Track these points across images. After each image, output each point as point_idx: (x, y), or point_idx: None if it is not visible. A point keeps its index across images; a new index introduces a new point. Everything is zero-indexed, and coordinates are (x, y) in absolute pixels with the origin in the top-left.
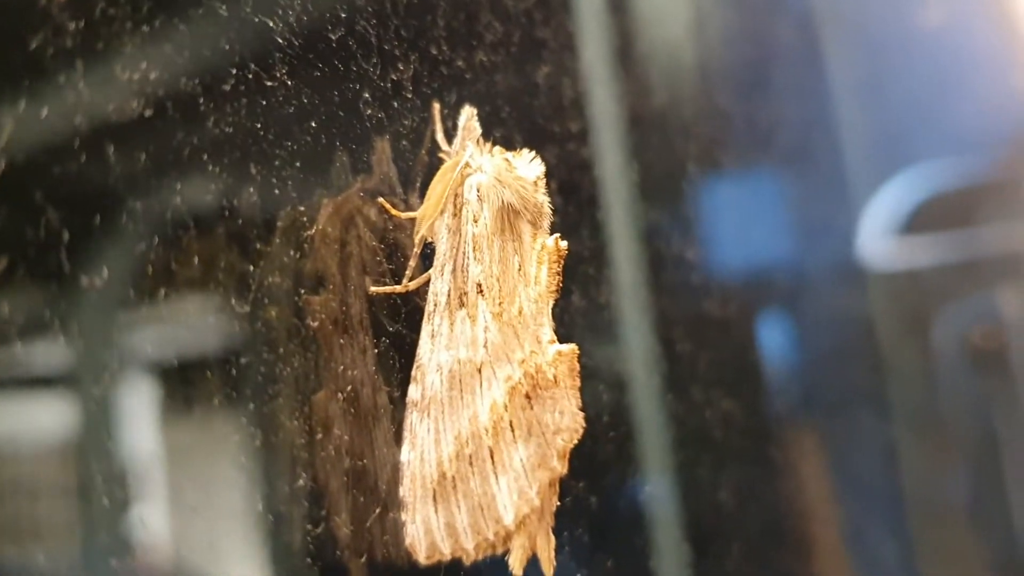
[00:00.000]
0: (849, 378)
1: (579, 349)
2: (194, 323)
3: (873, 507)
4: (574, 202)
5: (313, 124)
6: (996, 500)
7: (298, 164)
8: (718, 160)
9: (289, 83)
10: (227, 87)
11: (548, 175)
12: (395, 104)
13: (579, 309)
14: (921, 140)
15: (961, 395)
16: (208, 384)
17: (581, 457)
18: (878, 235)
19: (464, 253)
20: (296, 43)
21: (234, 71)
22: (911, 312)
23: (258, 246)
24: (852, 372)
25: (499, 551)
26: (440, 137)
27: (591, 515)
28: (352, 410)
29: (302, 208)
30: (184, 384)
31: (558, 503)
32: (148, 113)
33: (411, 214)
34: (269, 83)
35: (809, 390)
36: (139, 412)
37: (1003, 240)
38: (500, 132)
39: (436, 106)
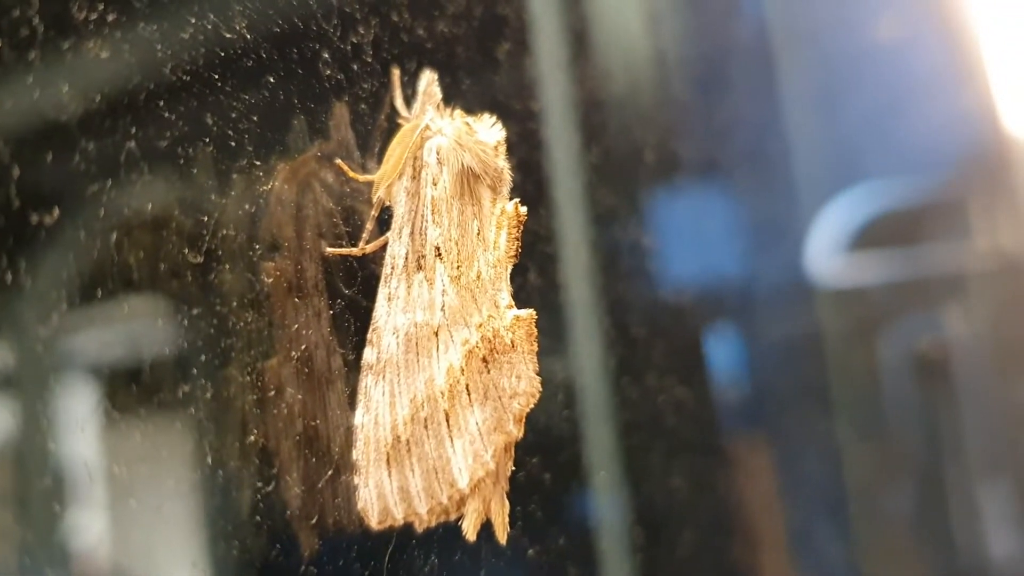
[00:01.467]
0: (797, 388)
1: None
2: (139, 319)
3: (819, 509)
4: (532, 180)
5: (271, 83)
6: (938, 507)
7: (255, 125)
8: (672, 155)
9: (248, 37)
10: (185, 37)
11: (508, 151)
12: (354, 67)
13: (535, 287)
14: (871, 157)
15: (905, 405)
16: (152, 381)
17: (536, 432)
18: (827, 251)
19: (422, 216)
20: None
21: (192, 23)
22: (858, 326)
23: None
24: (800, 383)
25: (453, 516)
26: (399, 103)
27: (544, 491)
28: (306, 373)
29: (259, 173)
30: (126, 385)
31: (512, 468)
32: (99, 68)
33: (368, 177)
34: (228, 35)
35: (758, 396)
36: (78, 416)
37: (949, 259)
38: (459, 105)
39: (396, 72)
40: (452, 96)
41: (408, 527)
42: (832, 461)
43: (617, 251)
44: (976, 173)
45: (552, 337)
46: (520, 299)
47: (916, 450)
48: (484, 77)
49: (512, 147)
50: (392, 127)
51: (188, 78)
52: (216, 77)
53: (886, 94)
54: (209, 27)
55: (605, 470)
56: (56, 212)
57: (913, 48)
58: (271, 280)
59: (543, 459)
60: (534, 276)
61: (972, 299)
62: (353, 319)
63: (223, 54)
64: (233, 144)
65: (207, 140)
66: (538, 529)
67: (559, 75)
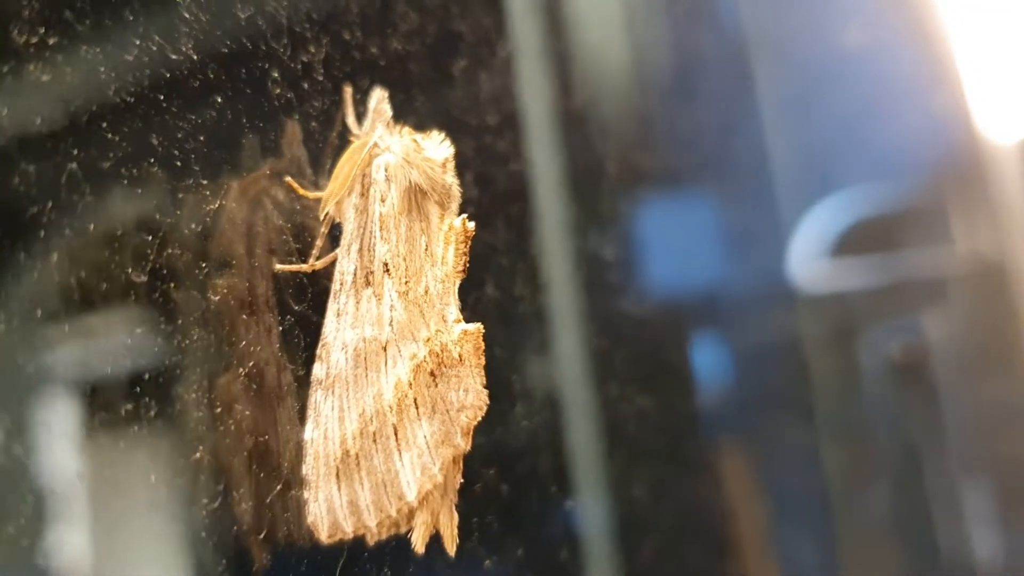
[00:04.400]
0: (775, 392)
1: (487, 337)
2: (109, 333)
3: (799, 513)
4: (489, 193)
5: (220, 103)
6: (919, 509)
7: (205, 144)
8: (644, 168)
9: (195, 57)
10: (130, 59)
11: (464, 166)
12: (305, 86)
13: (492, 299)
14: (848, 163)
15: (885, 408)
16: (126, 397)
17: (492, 444)
18: (806, 257)
19: (371, 232)
20: (203, 20)
21: (137, 45)
22: (837, 332)
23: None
24: (778, 386)
25: (403, 529)
26: (351, 120)
27: (501, 502)
28: (256, 389)
29: (208, 190)
30: (103, 398)
31: (461, 481)
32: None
33: (318, 193)
34: (174, 56)
35: (738, 401)
36: (56, 430)
37: (928, 263)
38: (413, 121)
39: (348, 89)
40: (405, 112)
41: (359, 540)
42: (812, 465)
43: (596, 260)
44: (952, 177)
45: (511, 348)
46: (476, 311)
47: (896, 453)
48: (439, 92)
49: (468, 161)
50: (344, 144)
51: (133, 100)
52: (162, 98)
53: (861, 100)
54: (154, 48)
55: (582, 478)
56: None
57: (886, 53)
58: (223, 297)
59: (499, 470)
60: (491, 288)
61: (951, 303)
62: (303, 335)
63: (169, 75)
64: (182, 163)
65: (154, 160)
66: (495, 541)
67: (534, 86)
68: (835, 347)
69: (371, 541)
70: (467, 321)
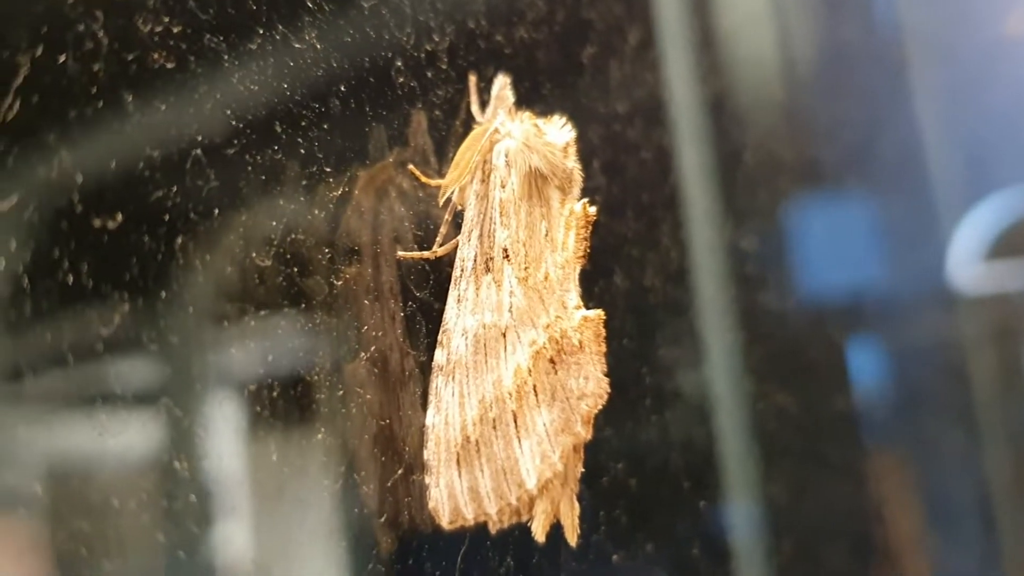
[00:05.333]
0: (931, 394)
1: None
2: (275, 334)
3: (953, 521)
4: (618, 183)
5: (348, 94)
6: None
7: (336, 136)
8: (794, 162)
9: (318, 47)
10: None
11: (592, 154)
12: (430, 74)
13: (621, 290)
14: (1010, 163)
15: None
16: (291, 398)
17: (622, 438)
18: (965, 258)
19: (491, 218)
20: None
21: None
22: (997, 334)
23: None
24: (935, 389)
25: (524, 518)
26: (475, 108)
27: (630, 497)
28: (380, 375)
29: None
30: (268, 399)
31: (583, 471)
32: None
33: (440, 181)
34: (298, 45)
35: (898, 405)
36: (224, 428)
37: None
38: (542, 109)
39: (472, 78)
40: (532, 100)
41: (482, 528)
42: (971, 471)
43: (752, 259)
44: None
45: (641, 341)
46: (604, 301)
47: None
48: (567, 80)
49: (595, 149)
50: (468, 132)
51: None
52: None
53: (1022, 95)
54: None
55: (725, 477)
56: (201, 230)
57: None
58: (348, 285)
59: (627, 464)
60: (620, 278)
61: None
62: (425, 321)
63: (292, 66)
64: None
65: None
66: (623, 535)
67: (689, 81)
68: (995, 349)
69: (493, 529)
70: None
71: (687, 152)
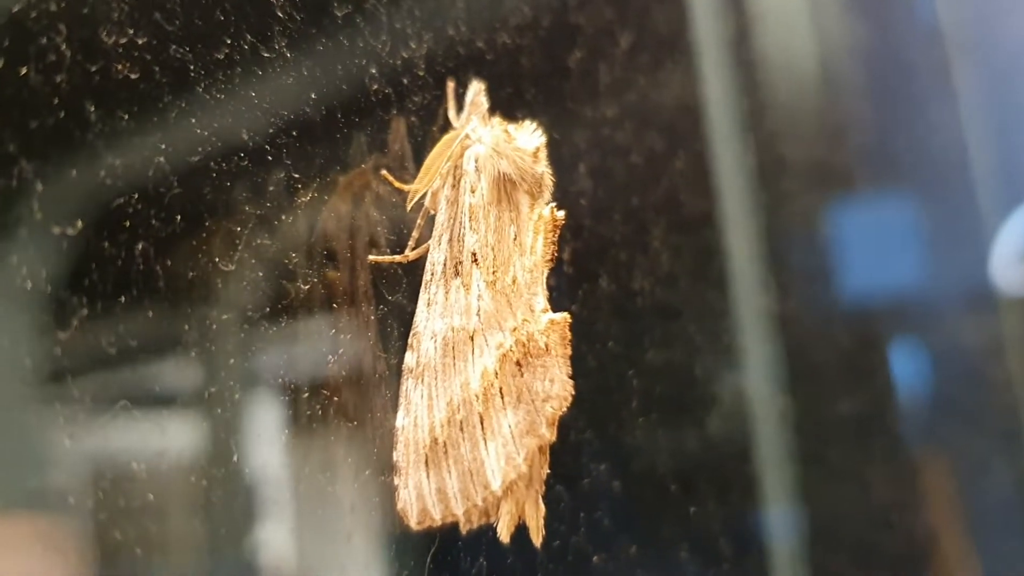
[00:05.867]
0: (976, 398)
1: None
2: (311, 338)
3: (1002, 528)
4: (605, 186)
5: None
6: None
7: (313, 141)
8: (834, 166)
9: (288, 56)
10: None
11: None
12: (405, 81)
13: (606, 294)
14: None
15: None
16: (329, 399)
17: (606, 440)
18: (1009, 261)
19: (460, 223)
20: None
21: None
22: None
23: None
24: (980, 392)
25: (492, 519)
26: (452, 114)
27: (611, 498)
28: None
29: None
30: (306, 400)
31: (547, 472)
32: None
33: (412, 186)
34: (266, 54)
35: (939, 407)
36: (265, 430)
37: None
38: (523, 113)
39: (451, 84)
40: (517, 106)
41: (454, 530)
42: (1018, 474)
43: (793, 263)
44: None
45: (624, 344)
46: (588, 305)
47: None
48: (552, 85)
49: (582, 153)
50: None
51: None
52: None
53: None
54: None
55: (776, 483)
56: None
57: None
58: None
59: (610, 467)
60: (606, 282)
61: None
62: (396, 324)
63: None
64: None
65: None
66: (604, 538)
67: (726, 84)
68: None
69: (464, 529)
70: (570, 312)
71: (724, 157)
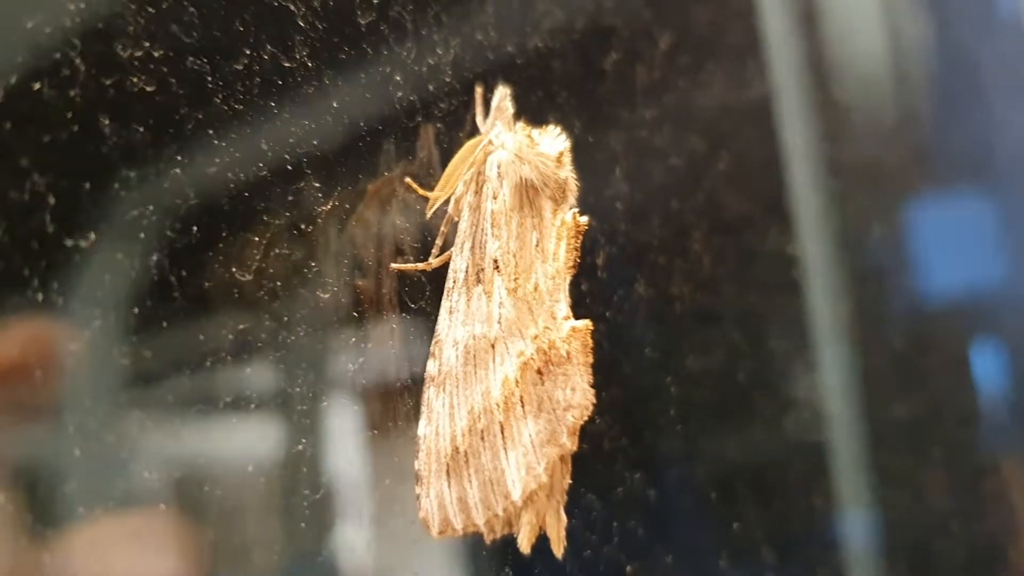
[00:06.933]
0: None
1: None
2: (386, 340)
3: None
4: (642, 190)
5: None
6: None
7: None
8: (913, 166)
9: (310, 65)
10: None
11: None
12: (431, 88)
13: (642, 298)
14: None
15: None
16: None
17: (639, 446)
18: None
19: (483, 230)
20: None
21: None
22: None
23: None
24: None
25: (515, 529)
26: (479, 119)
27: (647, 508)
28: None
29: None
30: (384, 404)
31: (570, 482)
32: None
33: (434, 192)
34: (289, 65)
35: (1016, 408)
36: (343, 433)
37: None
38: (554, 117)
39: (479, 89)
40: (548, 109)
41: (479, 539)
42: None
43: (870, 262)
44: None
45: (662, 350)
46: (623, 309)
47: None
48: (585, 88)
49: (618, 156)
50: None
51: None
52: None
53: None
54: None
55: (854, 486)
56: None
57: None
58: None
59: (644, 474)
60: (643, 287)
61: None
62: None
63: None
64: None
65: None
66: (640, 548)
67: (801, 82)
68: None
69: (488, 539)
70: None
71: (797, 156)
